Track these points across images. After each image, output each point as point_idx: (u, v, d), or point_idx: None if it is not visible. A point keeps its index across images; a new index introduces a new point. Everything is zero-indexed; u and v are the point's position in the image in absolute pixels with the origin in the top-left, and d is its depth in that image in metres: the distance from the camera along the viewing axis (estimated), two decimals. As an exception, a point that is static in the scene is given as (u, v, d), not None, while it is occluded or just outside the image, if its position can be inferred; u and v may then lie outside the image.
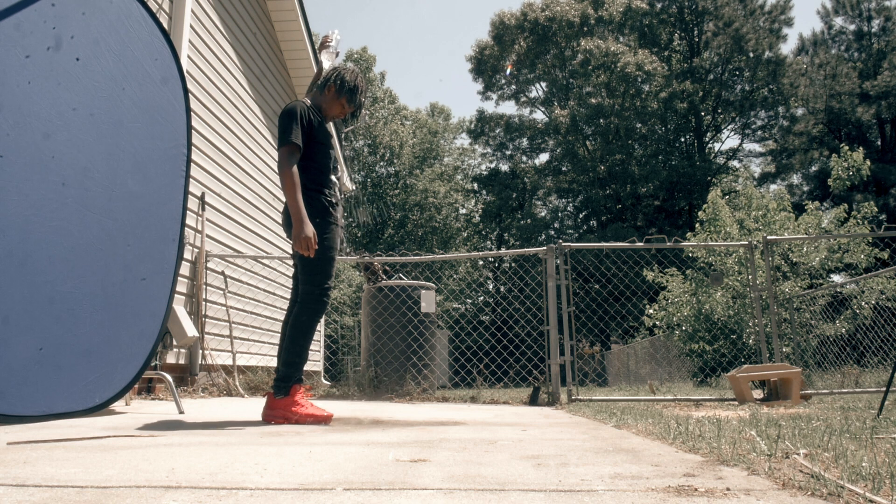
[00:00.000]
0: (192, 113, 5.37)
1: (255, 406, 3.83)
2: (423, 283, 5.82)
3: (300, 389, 2.82)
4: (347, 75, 3.08)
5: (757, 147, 33.65)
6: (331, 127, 3.23)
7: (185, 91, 3.65)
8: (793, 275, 9.76)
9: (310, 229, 2.73)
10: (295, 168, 2.80)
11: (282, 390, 2.79)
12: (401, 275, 6.43)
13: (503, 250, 28.74)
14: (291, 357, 2.83)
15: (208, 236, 5.65)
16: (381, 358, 5.53)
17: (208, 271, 5.62)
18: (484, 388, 5.71)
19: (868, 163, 10.65)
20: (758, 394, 4.83)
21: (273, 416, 2.78)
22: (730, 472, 1.43)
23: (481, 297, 33.15)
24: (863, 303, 8.55)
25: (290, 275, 7.91)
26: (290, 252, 7.73)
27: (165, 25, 5.01)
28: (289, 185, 2.77)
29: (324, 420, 2.74)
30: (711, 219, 10.96)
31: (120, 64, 3.19)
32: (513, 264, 29.70)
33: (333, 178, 3.04)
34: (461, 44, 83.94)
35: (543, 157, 35.46)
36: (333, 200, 2.98)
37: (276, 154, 7.58)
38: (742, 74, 30.81)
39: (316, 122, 2.96)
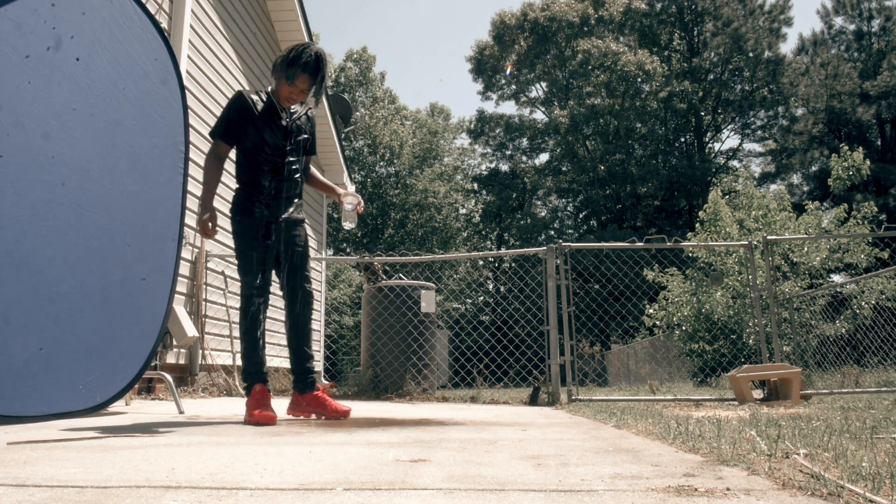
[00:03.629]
0: (191, 112, 5.38)
1: (255, 406, 3.82)
2: (423, 283, 5.82)
3: (260, 389, 2.80)
4: (285, 52, 2.85)
5: (757, 147, 33.69)
6: (307, 110, 3.05)
7: (182, 88, 3.65)
8: (793, 275, 9.76)
9: (205, 214, 2.80)
10: (212, 161, 2.90)
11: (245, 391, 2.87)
12: (401, 275, 6.43)
13: (503, 250, 28.75)
14: (242, 359, 2.89)
15: (208, 236, 5.64)
16: (380, 358, 5.53)
17: (208, 271, 5.62)
18: (484, 388, 5.71)
19: (868, 163, 10.66)
20: (758, 394, 4.83)
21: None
22: (730, 472, 1.43)
23: (481, 297, 33.15)
24: (863, 303, 8.55)
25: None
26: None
27: (165, 25, 5.02)
28: (205, 172, 2.92)
29: (264, 422, 2.65)
30: (712, 219, 10.96)
31: (118, 63, 3.19)
32: (513, 264, 29.70)
33: (269, 168, 2.88)
34: (461, 44, 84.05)
35: (543, 157, 35.49)
36: (257, 194, 2.86)
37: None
38: (742, 74, 30.82)
39: (257, 109, 2.86)
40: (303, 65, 2.77)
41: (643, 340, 16.83)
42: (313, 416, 2.98)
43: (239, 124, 2.86)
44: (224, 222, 4.16)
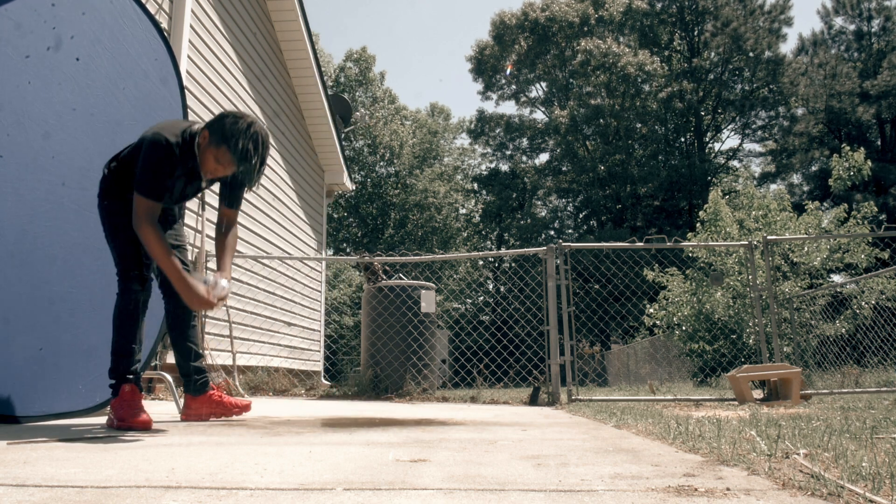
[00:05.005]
0: (193, 113, 5.37)
1: (254, 406, 3.82)
2: (423, 283, 5.82)
3: (126, 389, 2.46)
4: (226, 123, 2.32)
5: (757, 147, 33.72)
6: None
7: (182, 88, 3.65)
8: (793, 275, 9.76)
9: (202, 290, 2.31)
10: (151, 228, 2.29)
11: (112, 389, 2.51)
12: (401, 275, 6.43)
13: (503, 250, 28.77)
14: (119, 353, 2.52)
15: (208, 236, 5.65)
16: (380, 358, 5.53)
17: (208, 271, 5.62)
18: (484, 388, 5.71)
19: (868, 162, 10.66)
20: (758, 394, 4.83)
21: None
22: (730, 472, 1.43)
23: (481, 297, 33.17)
24: (863, 303, 8.55)
25: (290, 275, 7.92)
26: (289, 252, 7.62)
27: (165, 25, 5.02)
28: (153, 243, 2.29)
29: (142, 427, 2.37)
30: (712, 219, 10.96)
31: (118, 63, 3.19)
32: (513, 264, 29.70)
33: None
34: (461, 44, 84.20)
35: (543, 157, 35.53)
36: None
37: (275, 155, 7.57)
38: (742, 74, 30.83)
39: (178, 162, 2.41)
40: (238, 154, 2.30)
41: (643, 340, 16.83)
42: (212, 419, 2.80)
43: (166, 176, 2.40)
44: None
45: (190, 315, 2.82)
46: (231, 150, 2.29)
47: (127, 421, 2.38)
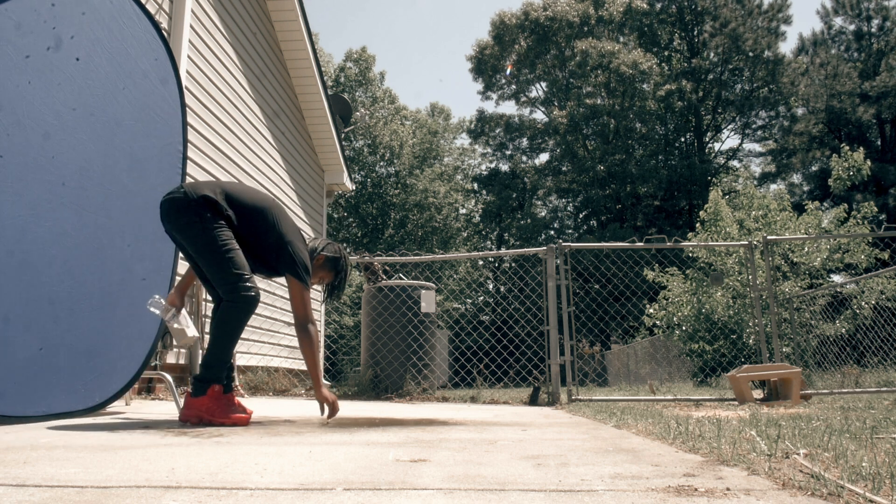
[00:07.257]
0: (193, 113, 5.38)
1: (255, 406, 3.82)
2: (423, 283, 5.82)
3: (217, 389, 2.62)
4: (338, 258, 3.13)
5: (757, 147, 33.72)
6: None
7: (181, 88, 3.65)
8: (793, 275, 9.77)
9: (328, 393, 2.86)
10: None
11: (199, 390, 2.58)
12: (401, 275, 6.43)
13: (503, 250, 28.74)
14: (220, 356, 2.64)
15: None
16: (381, 358, 5.53)
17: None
18: (484, 388, 5.71)
19: (868, 163, 10.67)
20: (758, 394, 4.83)
21: (188, 415, 2.59)
22: (730, 472, 1.43)
23: (481, 297, 33.15)
24: (863, 303, 8.56)
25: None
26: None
27: (165, 25, 5.01)
28: (315, 342, 2.80)
29: (241, 423, 2.59)
30: (712, 219, 10.96)
31: (118, 63, 3.19)
32: (513, 264, 29.71)
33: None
34: (461, 44, 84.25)
35: (543, 157, 35.53)
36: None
37: (275, 155, 7.57)
38: (741, 74, 30.84)
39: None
40: (339, 283, 3.19)
41: (643, 340, 16.83)
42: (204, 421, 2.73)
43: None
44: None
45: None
46: (335, 278, 3.17)
47: (227, 417, 2.59)
